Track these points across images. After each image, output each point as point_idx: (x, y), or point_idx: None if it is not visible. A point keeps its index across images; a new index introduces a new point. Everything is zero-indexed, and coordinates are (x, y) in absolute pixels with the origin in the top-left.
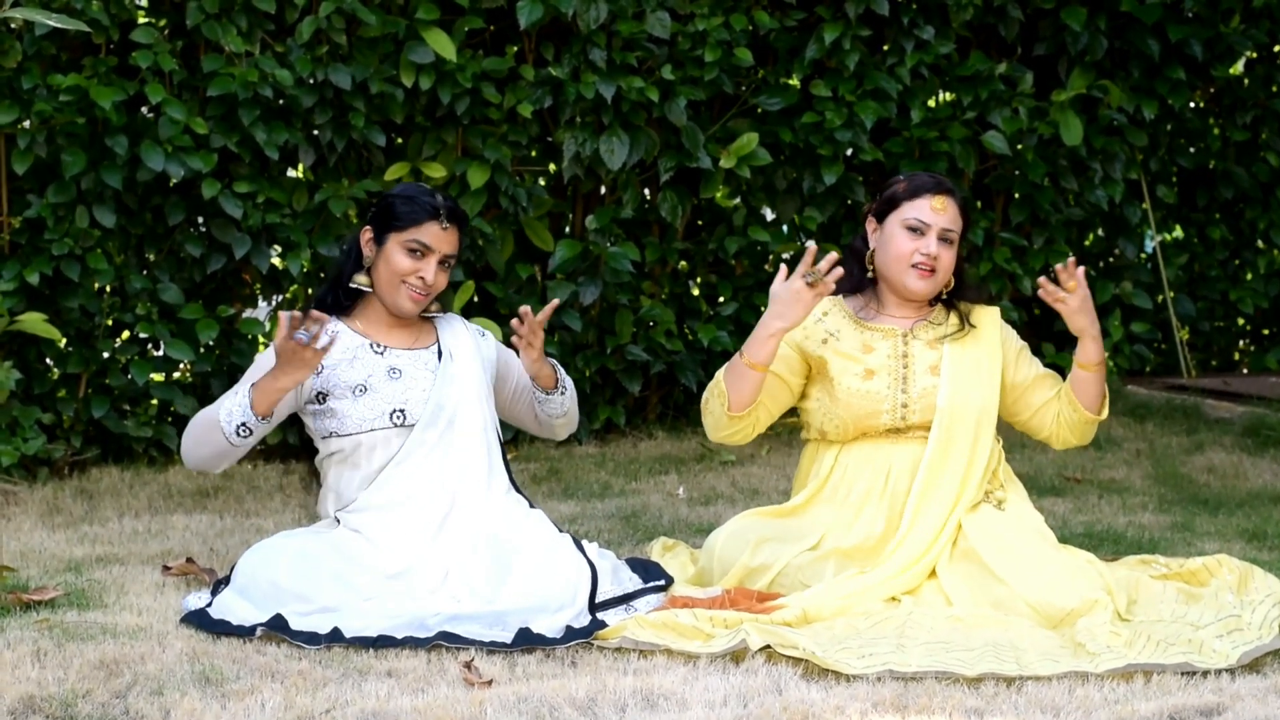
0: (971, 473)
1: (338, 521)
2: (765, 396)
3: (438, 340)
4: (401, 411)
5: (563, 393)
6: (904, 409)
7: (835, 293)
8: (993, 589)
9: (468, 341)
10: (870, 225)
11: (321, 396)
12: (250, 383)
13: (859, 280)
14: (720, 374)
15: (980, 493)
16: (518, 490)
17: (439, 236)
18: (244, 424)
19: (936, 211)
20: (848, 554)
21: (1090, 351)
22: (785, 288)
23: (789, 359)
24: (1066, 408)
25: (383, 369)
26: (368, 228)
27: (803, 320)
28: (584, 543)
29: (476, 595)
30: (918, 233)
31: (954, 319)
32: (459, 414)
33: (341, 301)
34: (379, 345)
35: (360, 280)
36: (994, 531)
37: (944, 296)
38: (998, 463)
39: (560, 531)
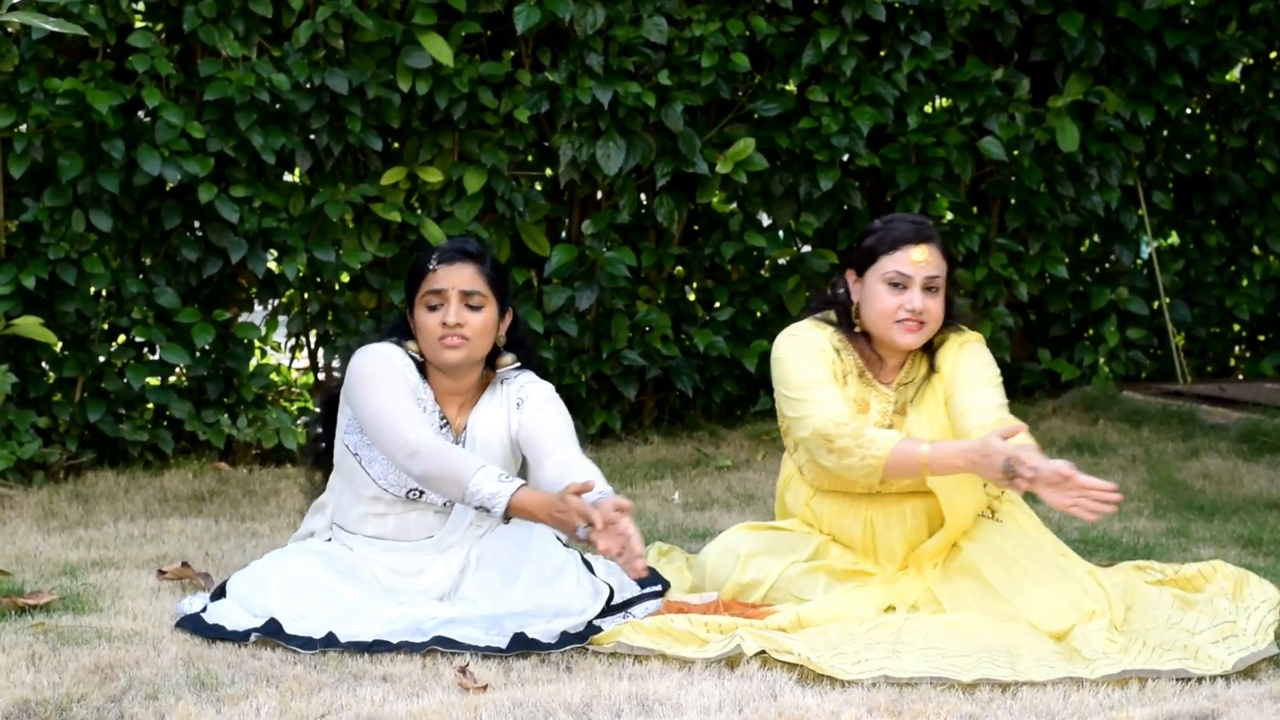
0: (973, 510)
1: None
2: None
3: (466, 426)
4: (420, 491)
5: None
6: (881, 482)
7: (818, 314)
8: (995, 604)
9: (497, 420)
10: (850, 276)
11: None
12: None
13: (847, 326)
14: (885, 453)
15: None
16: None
17: (443, 277)
18: (481, 507)
19: (917, 264)
20: (838, 575)
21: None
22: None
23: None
24: None
25: None
26: (406, 305)
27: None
28: (590, 558)
29: (474, 603)
30: (900, 287)
31: (924, 368)
32: None
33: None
34: (444, 419)
35: (411, 347)
36: (992, 544)
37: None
38: None
39: (566, 548)
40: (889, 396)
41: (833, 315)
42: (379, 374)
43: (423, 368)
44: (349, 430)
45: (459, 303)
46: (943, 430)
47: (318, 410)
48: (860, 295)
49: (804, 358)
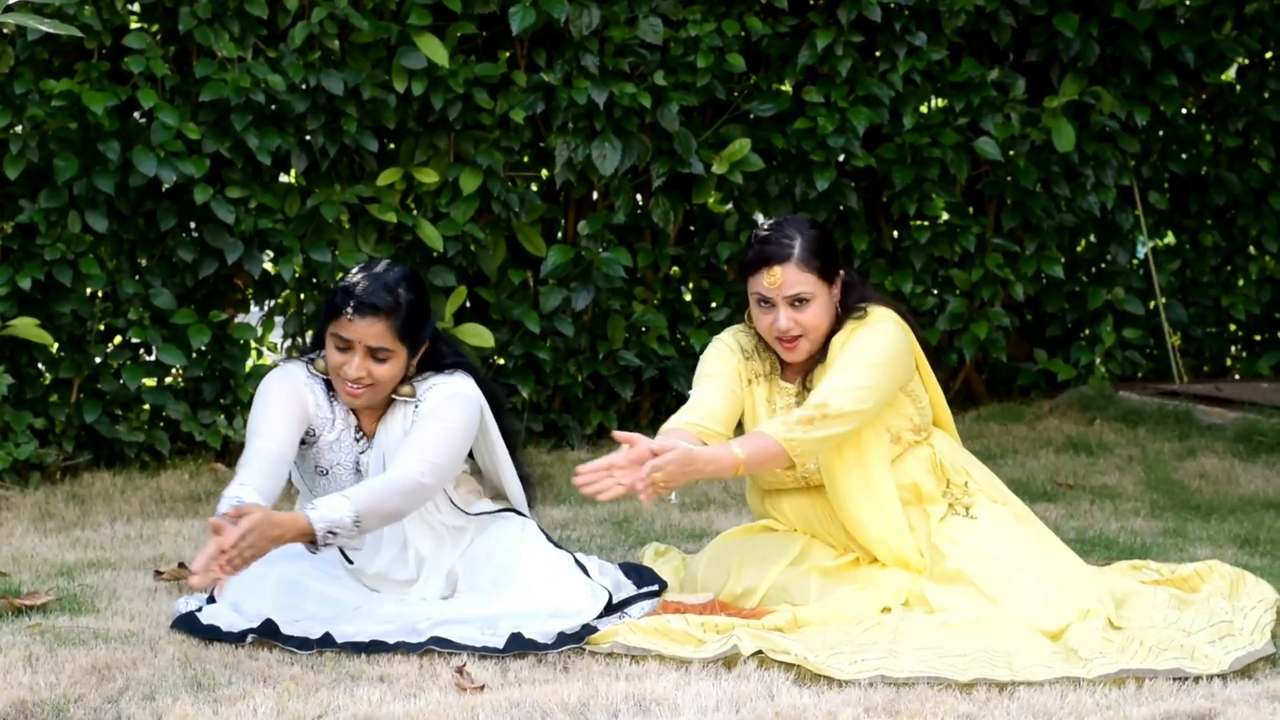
0: (885, 498)
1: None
2: (725, 428)
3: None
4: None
5: None
6: (806, 469)
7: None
8: (986, 609)
9: (398, 430)
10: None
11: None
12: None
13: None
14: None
15: (937, 504)
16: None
17: (353, 328)
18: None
19: (772, 287)
20: (828, 573)
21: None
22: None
23: (733, 387)
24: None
25: (350, 460)
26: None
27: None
28: (583, 559)
29: (470, 603)
30: (768, 304)
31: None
32: None
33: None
34: (359, 432)
35: (318, 367)
36: (973, 548)
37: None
38: (939, 465)
39: (557, 547)
40: (789, 391)
41: None
42: (261, 404)
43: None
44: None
45: (364, 356)
46: None
47: None
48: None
49: (707, 357)
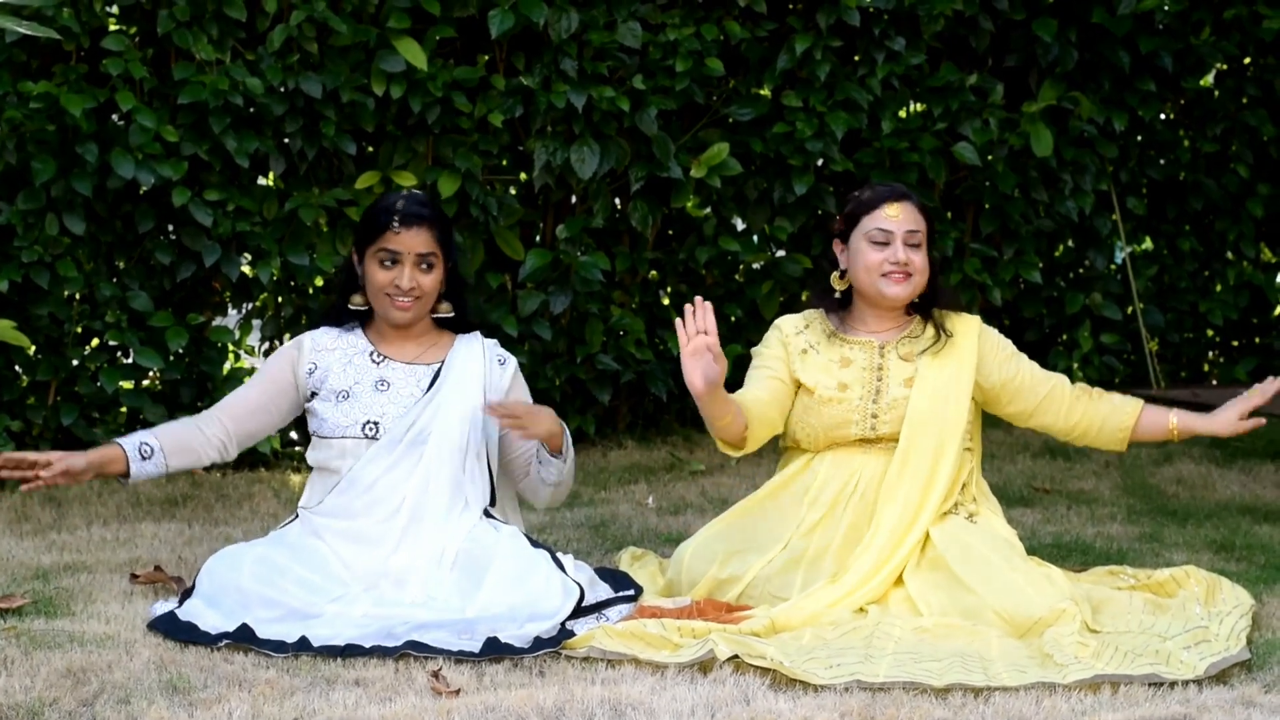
0: (934, 483)
1: (297, 516)
2: (758, 422)
3: (444, 360)
4: (375, 424)
5: (564, 461)
6: (874, 419)
7: (816, 306)
8: (961, 598)
9: (476, 367)
10: (838, 247)
11: (312, 394)
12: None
13: (831, 300)
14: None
15: (948, 504)
16: (490, 514)
17: (401, 240)
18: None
19: (893, 218)
20: (813, 561)
21: (1187, 427)
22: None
23: (779, 376)
24: (1108, 415)
25: (371, 379)
26: (354, 249)
27: (704, 379)
28: (560, 556)
29: (446, 606)
30: (883, 244)
31: (931, 331)
32: (434, 435)
33: (343, 322)
34: (379, 355)
35: (356, 301)
36: (962, 541)
37: (918, 301)
38: (969, 477)
39: (536, 547)
40: (871, 344)
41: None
42: (263, 369)
43: (353, 320)
44: (306, 408)
45: (413, 267)
46: (955, 391)
47: None
48: (847, 260)
49: (761, 345)
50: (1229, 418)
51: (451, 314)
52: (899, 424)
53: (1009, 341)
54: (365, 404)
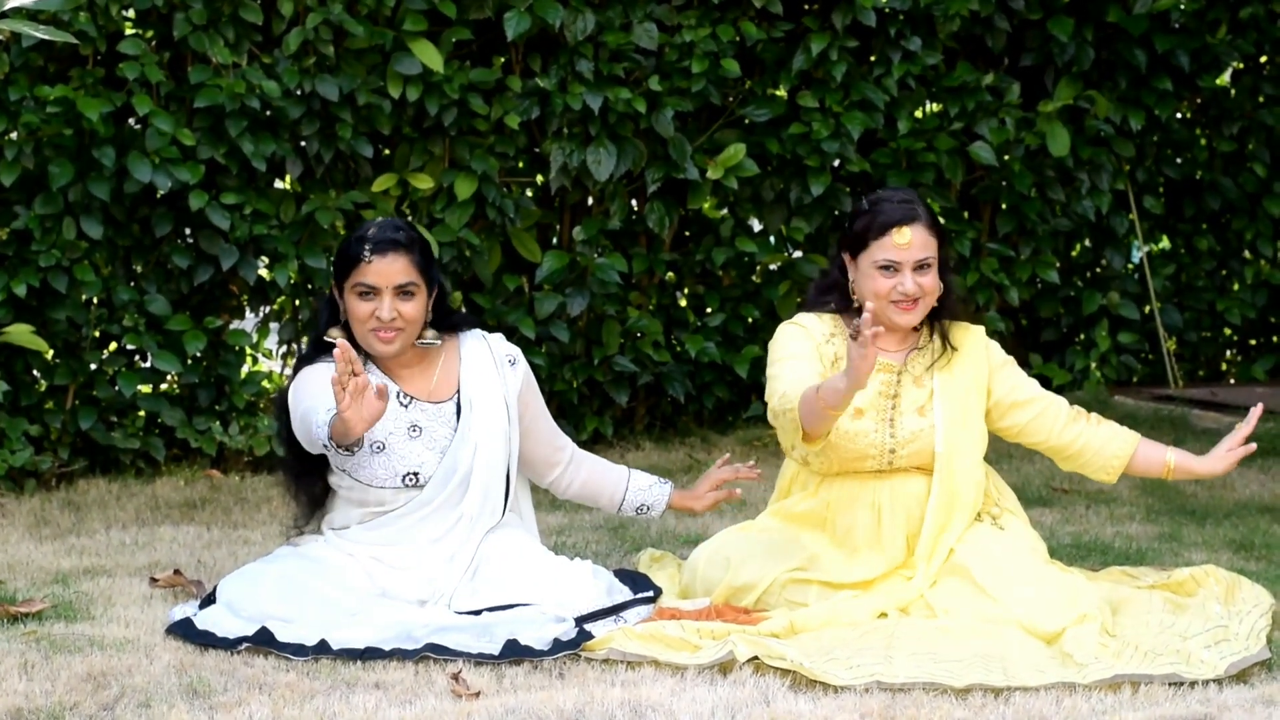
0: (964, 502)
1: (321, 534)
2: None
3: (459, 390)
4: (415, 474)
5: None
6: (892, 454)
7: (817, 306)
8: (984, 606)
9: (490, 381)
10: (845, 257)
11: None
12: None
13: (848, 308)
14: (796, 405)
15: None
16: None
17: (376, 270)
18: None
19: (901, 247)
20: (837, 588)
21: (1184, 468)
22: (851, 349)
23: (818, 364)
24: (1104, 442)
25: (403, 426)
26: (333, 282)
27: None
28: (578, 562)
29: (464, 608)
30: (891, 270)
31: (938, 342)
32: (474, 473)
33: (323, 358)
34: (405, 396)
35: (332, 333)
36: (985, 548)
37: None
38: (988, 480)
39: (550, 552)
40: (891, 366)
41: (832, 305)
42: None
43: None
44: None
45: (392, 297)
46: (973, 407)
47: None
48: (855, 276)
49: (786, 337)
50: (1220, 454)
51: (437, 340)
52: (917, 457)
53: (1006, 356)
54: (402, 454)
